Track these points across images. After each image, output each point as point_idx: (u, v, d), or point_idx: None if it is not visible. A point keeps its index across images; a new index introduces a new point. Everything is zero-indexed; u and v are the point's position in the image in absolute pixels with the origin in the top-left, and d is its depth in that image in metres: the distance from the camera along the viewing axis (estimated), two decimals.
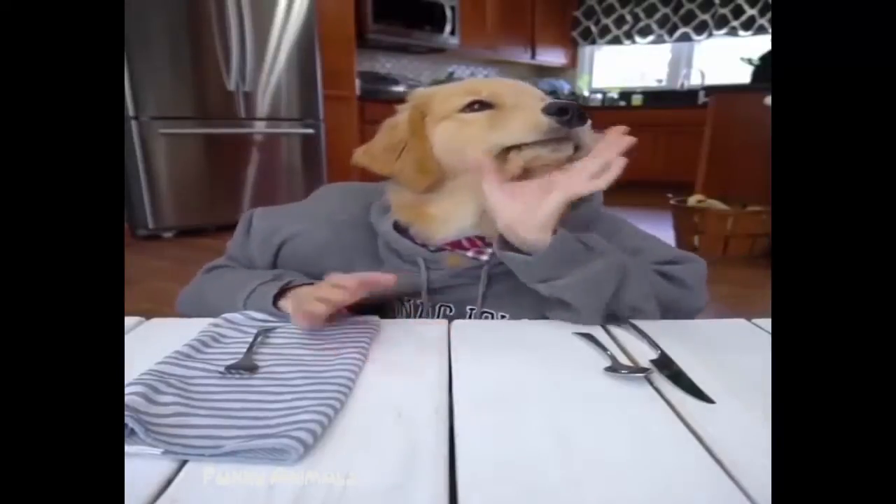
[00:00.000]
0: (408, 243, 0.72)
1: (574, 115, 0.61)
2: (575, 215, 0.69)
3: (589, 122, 0.63)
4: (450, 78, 4.84)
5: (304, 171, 3.46)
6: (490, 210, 0.64)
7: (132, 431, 0.39)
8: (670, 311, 0.71)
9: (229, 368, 0.50)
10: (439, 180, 0.69)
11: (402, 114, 0.74)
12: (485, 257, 0.71)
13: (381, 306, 0.73)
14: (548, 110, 0.61)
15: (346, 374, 0.49)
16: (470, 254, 0.71)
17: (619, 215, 0.79)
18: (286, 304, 0.65)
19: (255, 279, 0.69)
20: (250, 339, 0.57)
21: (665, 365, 0.53)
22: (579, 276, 0.62)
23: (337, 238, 0.76)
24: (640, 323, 0.63)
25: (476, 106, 0.67)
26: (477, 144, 0.65)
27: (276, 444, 0.37)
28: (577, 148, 0.64)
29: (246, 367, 0.51)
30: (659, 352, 0.56)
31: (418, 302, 0.74)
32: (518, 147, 0.63)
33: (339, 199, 0.81)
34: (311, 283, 0.67)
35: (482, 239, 0.71)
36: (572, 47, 5.63)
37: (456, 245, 0.72)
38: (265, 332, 0.59)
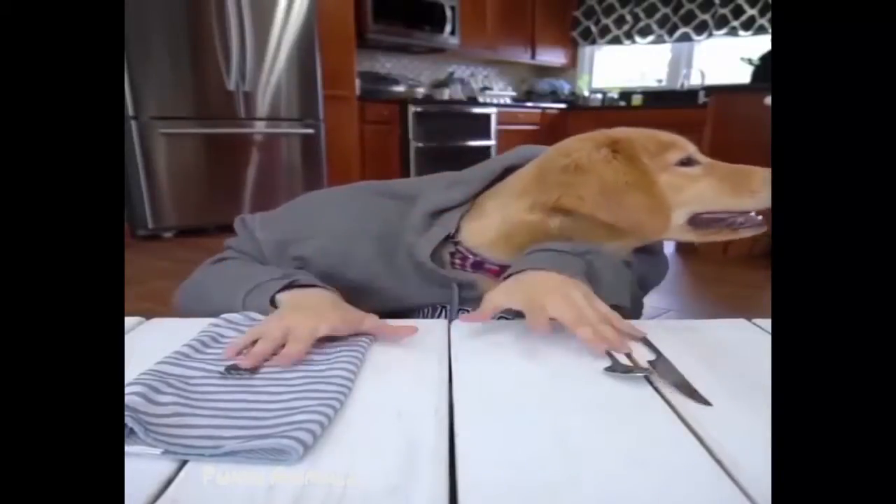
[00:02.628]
0: (443, 273, 0.71)
1: None
2: None
3: None
4: (450, 78, 4.84)
5: (304, 171, 3.46)
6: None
7: (132, 431, 0.39)
8: (648, 283, 0.75)
9: (229, 369, 0.50)
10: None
11: (598, 153, 0.68)
12: None
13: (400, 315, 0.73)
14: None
15: (345, 373, 0.49)
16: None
17: None
18: (283, 298, 0.63)
19: (260, 275, 0.66)
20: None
21: (662, 368, 0.53)
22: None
23: (354, 252, 0.73)
24: (638, 324, 0.63)
25: (686, 160, 0.69)
26: (710, 203, 0.69)
27: (275, 444, 0.37)
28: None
29: (246, 367, 0.51)
30: (656, 354, 0.56)
31: (437, 314, 0.74)
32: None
33: (347, 210, 0.76)
34: (317, 286, 0.65)
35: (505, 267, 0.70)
36: (572, 47, 5.63)
37: (490, 270, 0.72)
38: None
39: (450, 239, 0.72)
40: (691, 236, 0.71)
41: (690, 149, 0.70)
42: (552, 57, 5.50)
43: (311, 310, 0.59)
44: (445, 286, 0.72)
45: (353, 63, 3.72)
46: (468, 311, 0.73)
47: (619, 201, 0.66)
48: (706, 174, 0.69)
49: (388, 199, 0.75)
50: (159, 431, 0.40)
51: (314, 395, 0.45)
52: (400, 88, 4.28)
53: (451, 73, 4.93)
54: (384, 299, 0.72)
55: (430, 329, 0.64)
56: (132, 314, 0.66)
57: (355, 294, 0.70)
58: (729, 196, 0.68)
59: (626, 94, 5.42)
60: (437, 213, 0.73)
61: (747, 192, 0.67)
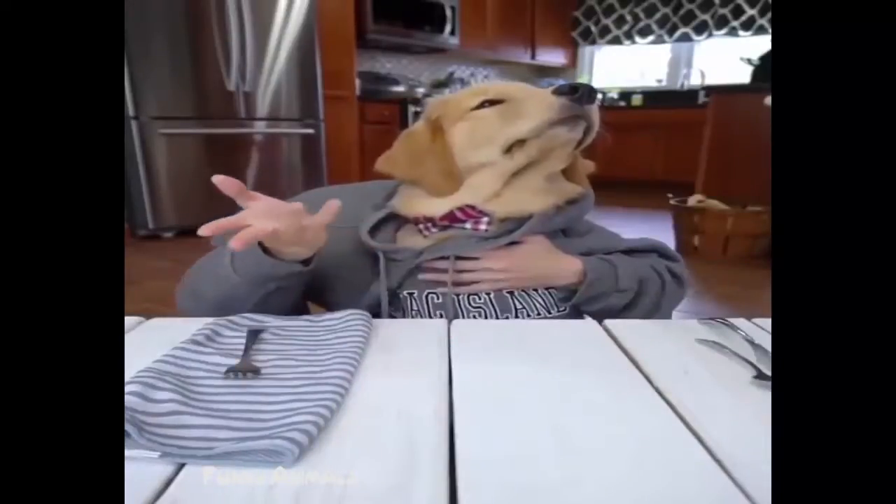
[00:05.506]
0: (372, 244, 0.74)
1: (584, 93, 0.64)
2: (561, 217, 0.74)
3: (598, 101, 0.66)
4: (450, 78, 4.84)
5: (304, 172, 3.46)
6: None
7: (127, 434, 0.39)
8: (665, 307, 0.76)
9: (230, 371, 0.50)
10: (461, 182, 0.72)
11: (420, 123, 0.77)
12: (482, 226, 0.72)
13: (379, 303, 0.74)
14: (559, 90, 0.64)
15: (342, 373, 0.49)
16: (468, 225, 0.73)
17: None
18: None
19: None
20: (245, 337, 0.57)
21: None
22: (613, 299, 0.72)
23: (339, 240, 0.75)
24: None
25: (486, 104, 0.70)
26: (494, 137, 0.68)
27: (269, 444, 0.37)
28: (587, 129, 0.67)
29: (248, 369, 0.50)
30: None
31: (407, 293, 0.75)
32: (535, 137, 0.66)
33: (347, 200, 0.78)
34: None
35: (473, 207, 0.72)
36: (572, 47, 5.63)
37: (452, 219, 0.73)
38: (257, 333, 0.59)
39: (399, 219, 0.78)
40: (515, 161, 0.69)
41: (491, 93, 0.70)
42: (552, 57, 5.50)
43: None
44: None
45: (353, 63, 3.72)
46: (437, 296, 0.74)
47: (420, 164, 0.73)
48: (494, 112, 0.69)
49: (353, 193, 0.80)
50: (155, 433, 0.39)
51: (310, 396, 0.45)
52: (400, 88, 4.28)
53: (451, 73, 4.93)
54: (357, 287, 0.75)
55: (430, 329, 0.64)
56: (132, 314, 0.66)
57: (337, 283, 0.74)
58: (504, 125, 0.67)
59: (626, 94, 5.42)
60: (391, 195, 0.79)
61: (516, 118, 0.67)
